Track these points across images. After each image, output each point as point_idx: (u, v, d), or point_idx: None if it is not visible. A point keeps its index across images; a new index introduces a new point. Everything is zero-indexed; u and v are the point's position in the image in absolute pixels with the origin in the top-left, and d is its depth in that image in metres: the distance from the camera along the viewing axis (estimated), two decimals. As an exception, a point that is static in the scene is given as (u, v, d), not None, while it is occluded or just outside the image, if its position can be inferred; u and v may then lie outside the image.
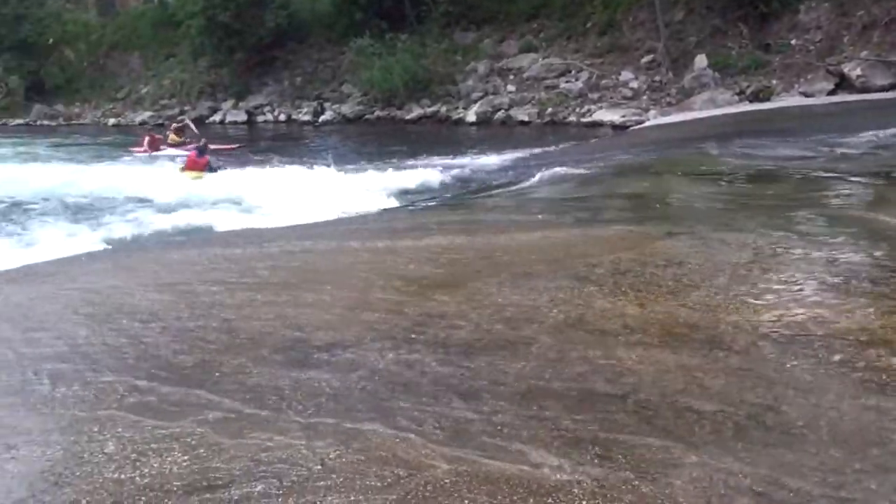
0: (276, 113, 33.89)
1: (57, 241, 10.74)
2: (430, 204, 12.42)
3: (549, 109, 26.21)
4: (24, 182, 17.83)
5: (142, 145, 23.41)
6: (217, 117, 34.85)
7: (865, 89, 20.66)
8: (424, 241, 7.96)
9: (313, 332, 5.26)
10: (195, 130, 24.46)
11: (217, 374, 4.67)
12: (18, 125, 39.90)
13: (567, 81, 27.04)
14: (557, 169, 13.29)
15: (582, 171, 12.90)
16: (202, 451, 3.73)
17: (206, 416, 4.11)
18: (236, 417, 4.07)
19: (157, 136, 23.85)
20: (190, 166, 18.41)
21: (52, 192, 16.37)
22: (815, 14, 23.59)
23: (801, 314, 4.92)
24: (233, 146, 24.07)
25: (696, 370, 4.20)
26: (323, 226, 9.98)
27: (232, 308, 5.94)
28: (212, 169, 18.39)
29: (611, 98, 25.65)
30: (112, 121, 37.44)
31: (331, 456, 3.59)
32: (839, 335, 4.54)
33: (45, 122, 39.70)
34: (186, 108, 36.04)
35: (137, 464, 3.66)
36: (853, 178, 10.07)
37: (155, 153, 22.78)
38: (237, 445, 3.75)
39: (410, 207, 12.29)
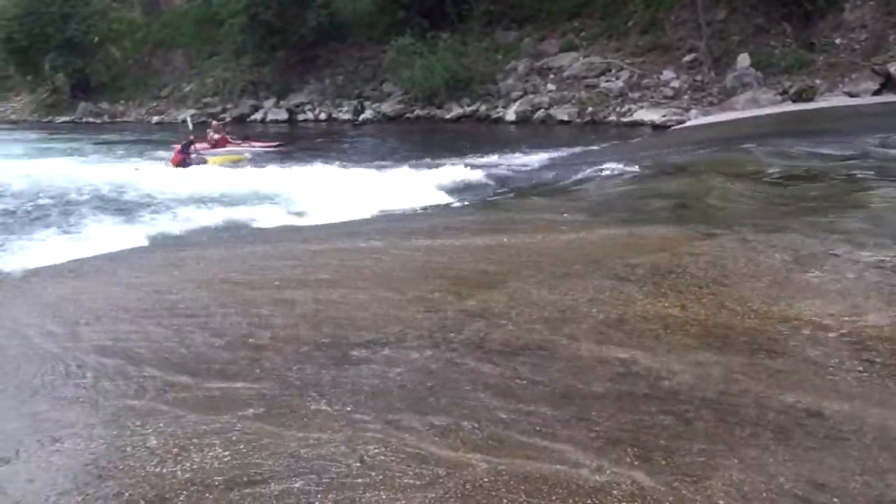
0: (316, 112, 34.03)
1: (102, 237, 10.84)
2: (469, 203, 12.41)
3: (590, 109, 26.07)
4: (71, 178, 18.07)
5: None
6: (258, 115, 35.07)
7: (912, 90, 20.35)
8: (464, 241, 7.97)
9: (353, 329, 5.29)
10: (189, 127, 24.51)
11: (258, 370, 4.72)
12: (64, 122, 40.49)
13: (607, 80, 26.88)
14: (597, 169, 13.23)
15: (622, 170, 12.82)
16: (242, 446, 3.77)
17: (246, 411, 4.15)
18: (276, 413, 4.11)
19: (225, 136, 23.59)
20: (173, 161, 20.39)
21: (97, 189, 16.55)
22: (860, 13, 23.25)
23: (845, 317, 4.87)
24: (273, 144, 24.21)
25: (737, 372, 4.17)
26: (363, 224, 10.01)
27: (273, 304, 5.99)
28: (185, 164, 20.04)
29: (651, 97, 25.45)
30: (156, 118, 37.85)
31: (370, 453, 3.61)
32: (883, 339, 4.49)
33: (91, 120, 40.21)
34: (229, 106, 36.32)
35: (179, 458, 3.71)
36: (897, 181, 9.93)
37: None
38: (277, 441, 3.79)
39: (450, 206, 12.30)
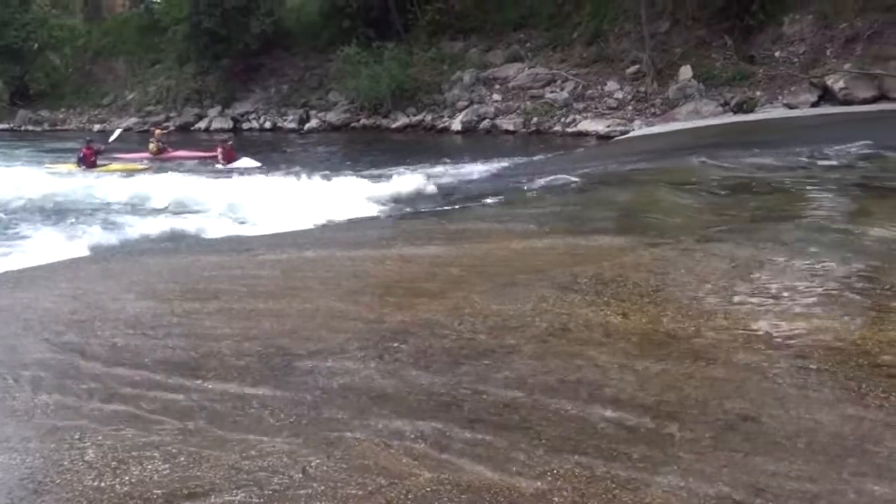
0: (261, 120, 33.84)
1: (41, 247, 10.65)
2: (415, 213, 12.43)
3: (535, 119, 26.29)
4: (9, 186, 17.71)
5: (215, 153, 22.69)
6: (203, 124, 34.78)
7: (848, 102, 20.82)
8: (409, 250, 7.97)
9: (297, 340, 5.26)
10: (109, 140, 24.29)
11: (199, 381, 4.67)
12: (2, 130, 39.70)
13: (552, 91, 27.13)
14: (542, 178, 13.33)
15: (566, 180, 12.93)
16: (183, 458, 3.73)
17: (187, 423, 4.10)
18: (218, 425, 4.06)
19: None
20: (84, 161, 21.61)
21: (35, 198, 16.25)
22: (798, 27, 23.75)
23: (782, 324, 4.96)
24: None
25: (677, 379, 4.22)
26: (308, 234, 9.98)
27: (215, 315, 5.94)
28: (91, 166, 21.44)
29: (596, 108, 25.75)
30: (97, 127, 37.23)
31: (312, 464, 3.59)
32: (819, 345, 4.57)
33: (30, 128, 39.48)
34: (172, 114, 35.94)
35: (118, 472, 3.65)
36: (835, 190, 10.14)
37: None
38: (218, 453, 3.75)
39: (395, 216, 12.30)
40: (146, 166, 22.10)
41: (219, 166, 21.37)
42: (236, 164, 21.27)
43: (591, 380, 4.29)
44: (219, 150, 22.29)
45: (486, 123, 27.09)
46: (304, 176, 17.64)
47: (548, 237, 8.18)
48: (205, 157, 23.06)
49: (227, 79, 35.17)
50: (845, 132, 15.80)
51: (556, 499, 3.21)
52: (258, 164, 21.05)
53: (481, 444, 3.68)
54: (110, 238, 11.73)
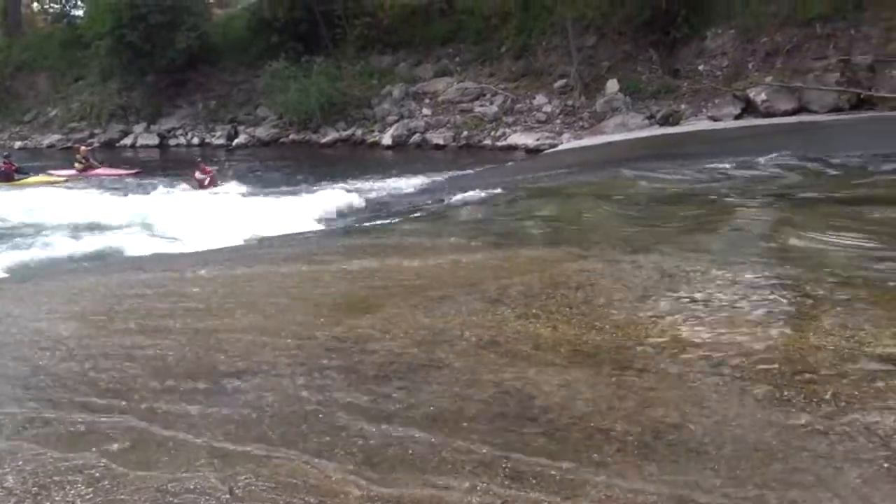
0: (188, 136, 33.39)
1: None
2: (345, 228, 12.38)
3: (465, 133, 26.38)
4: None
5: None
6: (128, 141, 34.17)
7: (770, 114, 21.29)
8: (339, 266, 7.93)
9: (224, 358, 5.19)
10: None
11: (124, 402, 4.57)
12: (-82, 148, 38.57)
13: (482, 105, 27.27)
14: (472, 192, 13.39)
15: (496, 194, 13.02)
16: (107, 482, 3.64)
17: (111, 446, 4.01)
18: (143, 447, 3.98)
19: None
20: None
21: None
22: (721, 41, 24.25)
23: (708, 333, 5.04)
24: (129, 172, 23.31)
25: (605, 390, 4.26)
26: (236, 250, 9.87)
27: (141, 334, 5.83)
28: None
29: (525, 122, 25.93)
30: (18, 144, 36.39)
31: (240, 484, 3.54)
32: (744, 353, 4.65)
33: (-53, 146, 38.43)
34: (97, 131, 35.27)
35: (38, 497, 3.55)
36: (758, 200, 10.35)
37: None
38: (143, 476, 3.67)
39: (325, 231, 12.23)
40: (63, 179, 21.73)
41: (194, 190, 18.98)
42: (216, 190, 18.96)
43: (521, 392, 4.31)
44: (197, 173, 19.58)
45: (416, 138, 27.11)
46: (233, 192, 17.45)
47: (477, 251, 8.20)
48: (128, 175, 22.73)
49: (152, 94, 34.63)
50: (767, 143, 16.16)
51: (486, 512, 3.21)
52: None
53: (411, 459, 3.67)
54: (31, 258, 11.45)
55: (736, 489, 3.26)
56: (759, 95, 21.83)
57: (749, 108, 22.02)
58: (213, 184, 19.26)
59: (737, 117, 21.95)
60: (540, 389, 4.32)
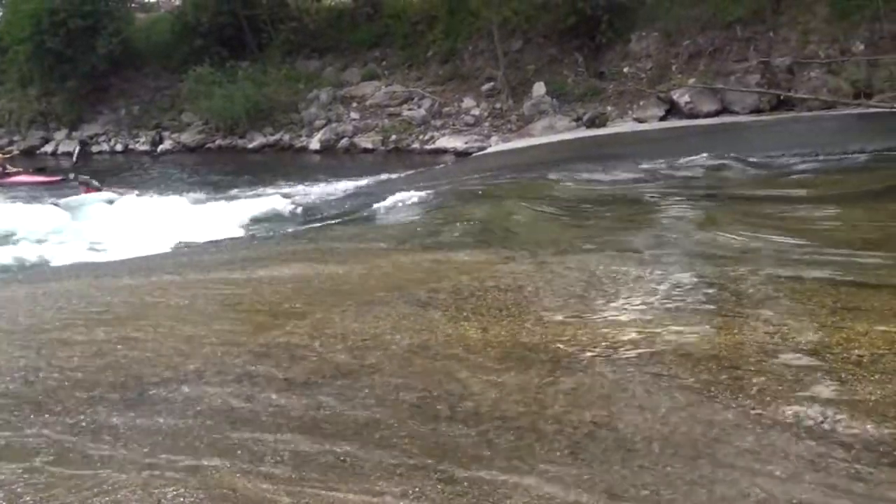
0: (112, 143, 32.72)
1: None
2: (272, 234, 12.27)
3: (393, 137, 26.33)
4: None
5: None
6: (49, 147, 33.38)
7: (693, 115, 21.65)
8: (267, 272, 7.84)
9: (150, 367, 5.10)
10: None
11: (46, 415, 4.46)
12: None
13: (410, 109, 27.25)
14: (401, 196, 13.35)
15: (425, 197, 13.01)
16: (29, 498, 3.55)
17: (33, 461, 3.91)
18: (67, 460, 3.89)
19: None
20: None
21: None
22: (644, 44, 24.60)
23: (636, 333, 5.09)
24: (51, 179, 22.80)
25: (536, 391, 4.27)
26: (162, 258, 9.72)
27: (62, 345, 5.70)
28: None
29: (453, 125, 25.97)
30: (-66, 152, 35.34)
31: (168, 496, 3.47)
32: (671, 351, 4.71)
33: None
34: (16, 138, 34.40)
35: (-44, 516, 3.45)
36: (683, 200, 10.52)
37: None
38: (67, 490, 3.59)
39: (253, 238, 12.11)
40: None
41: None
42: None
43: (453, 395, 4.30)
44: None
45: (344, 142, 26.97)
46: (157, 198, 17.19)
47: (406, 254, 8.19)
48: (49, 182, 22.21)
49: (73, 100, 33.85)
50: (691, 144, 16.42)
51: (418, 517, 3.20)
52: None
53: (342, 465, 3.64)
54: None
55: (666, 486, 3.29)
56: (682, 97, 22.19)
57: (673, 110, 22.37)
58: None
59: (661, 119, 22.27)
60: (471, 392, 4.32)
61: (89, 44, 31.33)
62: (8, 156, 24.73)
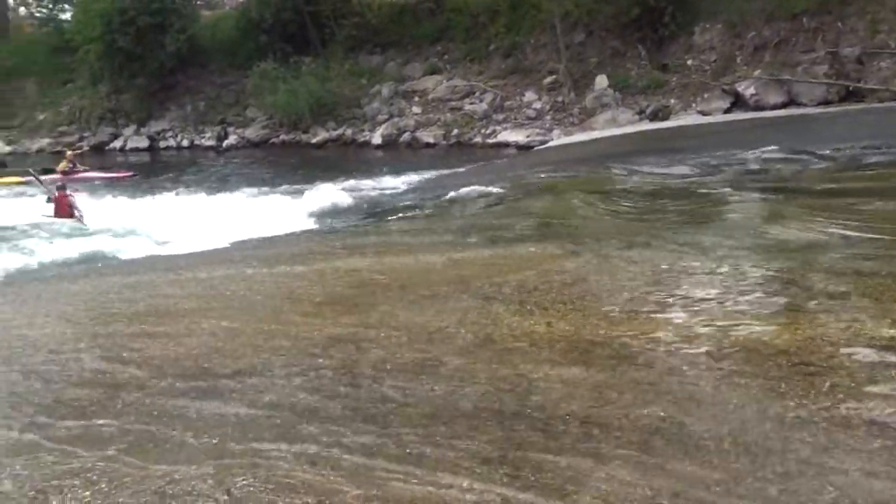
0: (178, 138, 33.30)
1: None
2: (336, 228, 12.35)
3: (455, 131, 26.37)
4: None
5: None
6: (118, 144, 34.09)
7: (759, 107, 21.33)
8: (332, 265, 7.91)
9: (219, 359, 5.17)
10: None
11: (119, 405, 4.55)
12: None
13: (472, 103, 27.26)
14: (463, 190, 13.36)
15: (487, 191, 12.99)
16: (104, 485, 3.62)
17: (107, 449, 3.99)
18: (140, 450, 3.96)
19: None
20: None
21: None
22: (708, 36, 24.30)
23: (703, 327, 5.02)
24: (125, 174, 23.52)
25: (602, 385, 4.24)
26: (228, 252, 9.84)
27: (135, 337, 5.81)
28: None
29: (515, 119, 25.93)
30: (7, 148, 36.23)
31: (238, 485, 3.52)
32: (740, 347, 4.64)
33: (-64, 152, 38.17)
34: (87, 134, 35.17)
35: (36, 502, 3.54)
36: (750, 194, 10.36)
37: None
38: (141, 478, 3.65)
39: (317, 231, 12.21)
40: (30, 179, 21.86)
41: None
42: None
43: (518, 389, 4.29)
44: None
45: (406, 136, 27.09)
46: (223, 193, 17.43)
47: (470, 248, 8.19)
48: (116, 178, 22.80)
49: (142, 97, 34.53)
50: (757, 137, 16.18)
51: (485, 510, 3.20)
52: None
53: (409, 458, 3.65)
54: (22, 261, 11.42)
55: (736, 483, 3.25)
56: (747, 89, 21.88)
57: (738, 102, 22.07)
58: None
59: (726, 111, 21.99)
60: (536, 386, 4.31)
61: (158, 42, 31.94)
62: (77, 152, 25.45)
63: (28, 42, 42.32)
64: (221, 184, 20.02)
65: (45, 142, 35.72)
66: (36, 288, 8.31)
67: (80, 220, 15.28)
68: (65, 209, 15.49)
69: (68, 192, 15.93)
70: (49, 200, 15.89)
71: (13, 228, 14.89)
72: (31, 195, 19.02)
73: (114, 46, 32.02)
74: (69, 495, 3.56)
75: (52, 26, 40.86)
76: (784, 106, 21.13)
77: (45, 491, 3.62)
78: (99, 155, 31.21)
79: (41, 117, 38.11)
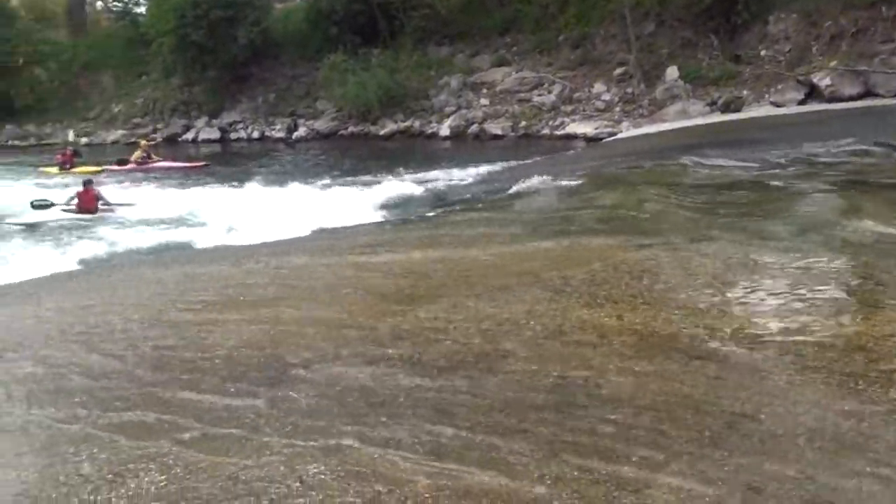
0: (249, 130, 33.80)
1: (29, 261, 10.61)
2: (404, 219, 12.41)
3: (523, 123, 26.30)
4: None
5: None
6: (190, 135, 34.75)
7: (835, 99, 20.88)
8: (400, 256, 7.95)
9: (289, 348, 5.23)
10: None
11: (193, 392, 4.63)
12: (-10, 146, 39.49)
13: (540, 94, 27.16)
14: (531, 182, 13.32)
15: (556, 183, 12.93)
16: (179, 470, 3.69)
17: (182, 435, 4.07)
18: (213, 436, 4.03)
19: None
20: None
21: (22, 212, 16.09)
22: (783, 25, 23.84)
23: (777, 322, 4.95)
24: (199, 164, 24.13)
25: (673, 380, 4.20)
26: (298, 242, 9.95)
27: (207, 326, 5.90)
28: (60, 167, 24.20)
29: (584, 110, 25.78)
30: (84, 140, 37.11)
31: (309, 473, 3.56)
32: (815, 342, 4.56)
33: (17, 143, 39.19)
34: (160, 126, 35.90)
35: (114, 485, 3.61)
36: (825, 187, 10.15)
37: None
38: (214, 464, 3.72)
39: (385, 222, 12.28)
40: (117, 169, 23.28)
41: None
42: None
43: (588, 382, 4.27)
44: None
45: (474, 128, 27.10)
46: (293, 184, 17.63)
47: (538, 240, 8.16)
48: (189, 168, 23.31)
49: (214, 89, 35.12)
50: (832, 129, 15.86)
51: (555, 502, 3.19)
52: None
53: (479, 449, 3.66)
54: (99, 250, 11.73)
55: (811, 480, 3.20)
56: (823, 80, 21.43)
57: (813, 94, 21.64)
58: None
59: (800, 103, 21.58)
60: (607, 379, 4.28)
61: (230, 34, 32.44)
62: (151, 143, 26.04)
63: (105, 36, 43.31)
64: (291, 175, 20.23)
65: (119, 133, 36.55)
66: (112, 275, 8.49)
67: (110, 211, 15.51)
68: (88, 204, 15.64)
69: (95, 187, 16.11)
70: (71, 198, 16.06)
71: (88, 217, 15.25)
72: (105, 184, 19.51)
73: (187, 40, 32.62)
74: (145, 479, 3.64)
75: (128, 20, 41.69)
76: (861, 97, 20.66)
77: (122, 475, 3.70)
78: (171, 146, 31.78)
79: (116, 109, 38.99)
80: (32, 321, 6.50)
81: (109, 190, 18.36)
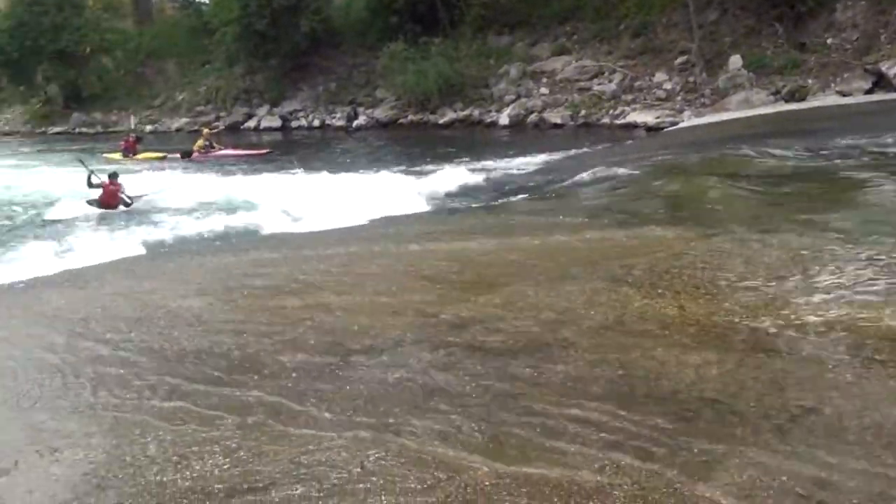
0: (310, 118, 34.03)
1: (96, 245, 10.80)
2: (464, 207, 12.42)
3: (583, 111, 26.11)
4: (61, 187, 17.94)
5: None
6: (252, 123, 35.10)
7: (904, 87, 20.40)
8: (460, 245, 7.96)
9: (351, 334, 5.29)
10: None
11: (256, 377, 4.71)
12: (58, 133, 40.24)
13: (600, 83, 26.93)
14: (592, 171, 13.22)
15: (616, 172, 12.82)
16: (242, 453, 3.76)
17: (245, 418, 4.14)
18: (276, 420, 4.10)
19: None
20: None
21: (86, 196, 16.32)
22: (851, 13, 23.32)
23: (842, 314, 4.87)
24: (261, 152, 24.49)
25: (736, 371, 4.17)
26: (359, 230, 10.00)
27: (270, 311, 5.99)
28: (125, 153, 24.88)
29: (645, 99, 25.50)
30: (149, 128, 37.69)
31: (370, 458, 3.61)
32: (881, 335, 4.48)
33: (84, 130, 39.97)
34: (222, 114, 36.31)
35: (179, 466, 3.70)
36: (892, 178, 9.93)
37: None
38: (277, 448, 3.78)
39: (445, 211, 12.29)
40: (177, 156, 23.85)
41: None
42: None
43: (649, 373, 4.25)
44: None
45: (533, 117, 26.97)
46: (353, 172, 17.71)
47: (599, 229, 8.12)
48: (251, 155, 23.61)
49: (276, 78, 35.43)
50: (901, 119, 15.50)
51: (616, 493, 3.19)
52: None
53: (539, 437, 3.67)
54: (163, 236, 11.91)
55: (876, 475, 3.15)
56: (892, 69, 20.90)
57: (881, 83, 21.12)
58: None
59: (867, 92, 21.08)
60: (668, 369, 4.26)
61: (292, 23, 32.63)
62: (214, 131, 26.44)
63: (169, 25, 43.88)
64: (351, 163, 20.35)
65: (183, 121, 37.06)
66: (176, 262, 8.63)
67: (129, 205, 15.58)
68: (111, 198, 15.66)
69: (119, 181, 16.05)
70: (91, 185, 15.94)
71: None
72: (166, 169, 19.89)
73: (250, 28, 32.93)
74: (209, 461, 3.72)
75: (192, 9, 42.17)
76: (931, 87, 20.14)
77: (188, 457, 3.78)
78: (233, 134, 32.10)
79: (180, 97, 39.53)
80: (99, 305, 6.64)
81: (175, 175, 18.97)
